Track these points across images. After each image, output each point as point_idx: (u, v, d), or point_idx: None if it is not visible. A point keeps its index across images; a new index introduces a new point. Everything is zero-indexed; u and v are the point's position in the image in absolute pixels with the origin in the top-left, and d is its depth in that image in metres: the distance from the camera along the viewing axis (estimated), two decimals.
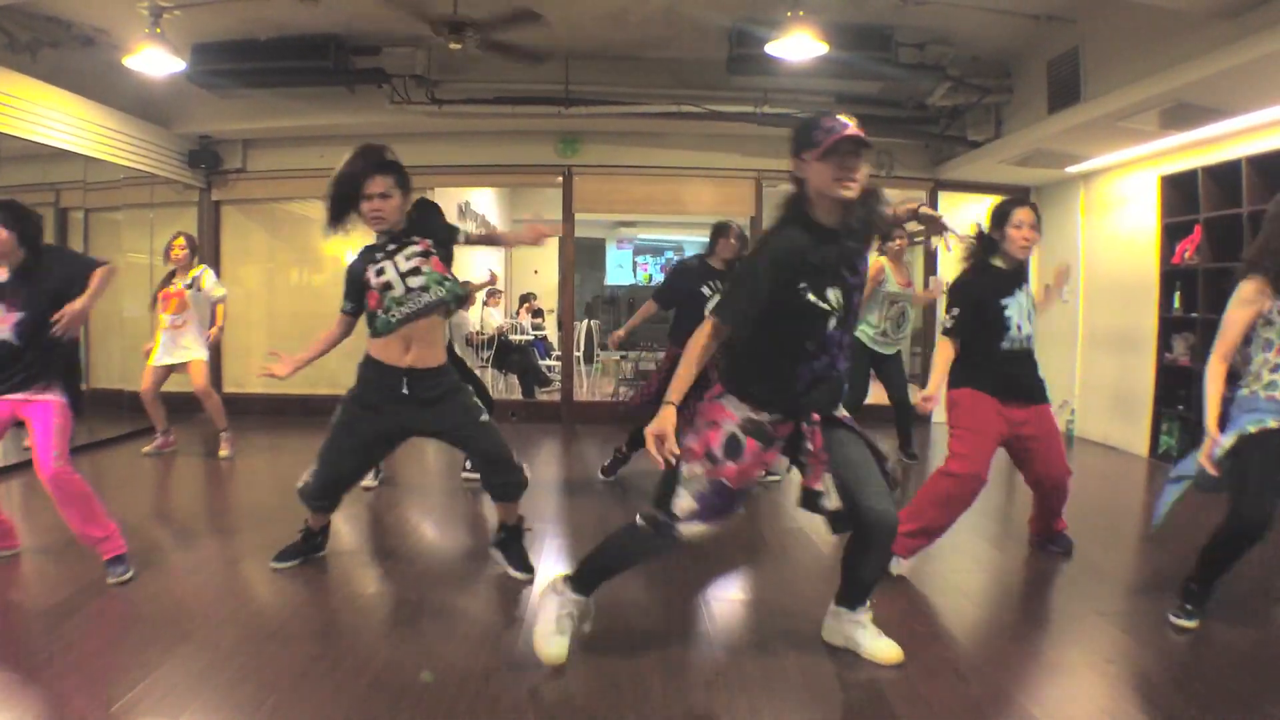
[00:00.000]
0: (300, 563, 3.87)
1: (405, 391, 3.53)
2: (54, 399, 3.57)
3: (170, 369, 6.39)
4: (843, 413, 2.88)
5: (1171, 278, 6.59)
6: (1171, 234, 6.57)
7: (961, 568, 4.10)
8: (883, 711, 2.59)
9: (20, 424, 3.58)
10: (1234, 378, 3.27)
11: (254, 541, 4.15)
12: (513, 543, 3.83)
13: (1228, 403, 3.28)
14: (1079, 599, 3.58)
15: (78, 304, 3.51)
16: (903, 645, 2.97)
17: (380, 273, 3.54)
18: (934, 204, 8.57)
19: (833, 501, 2.76)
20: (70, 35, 6.35)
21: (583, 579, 2.91)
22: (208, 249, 8.49)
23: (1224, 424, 3.23)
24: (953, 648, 3.16)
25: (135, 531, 4.29)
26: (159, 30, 5.61)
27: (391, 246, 3.59)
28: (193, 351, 6.36)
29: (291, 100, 7.59)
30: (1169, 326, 6.62)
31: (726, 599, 3.64)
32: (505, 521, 3.82)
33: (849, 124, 2.63)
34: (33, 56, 6.29)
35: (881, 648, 2.91)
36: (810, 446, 2.74)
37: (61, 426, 3.54)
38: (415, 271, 3.53)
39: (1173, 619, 3.23)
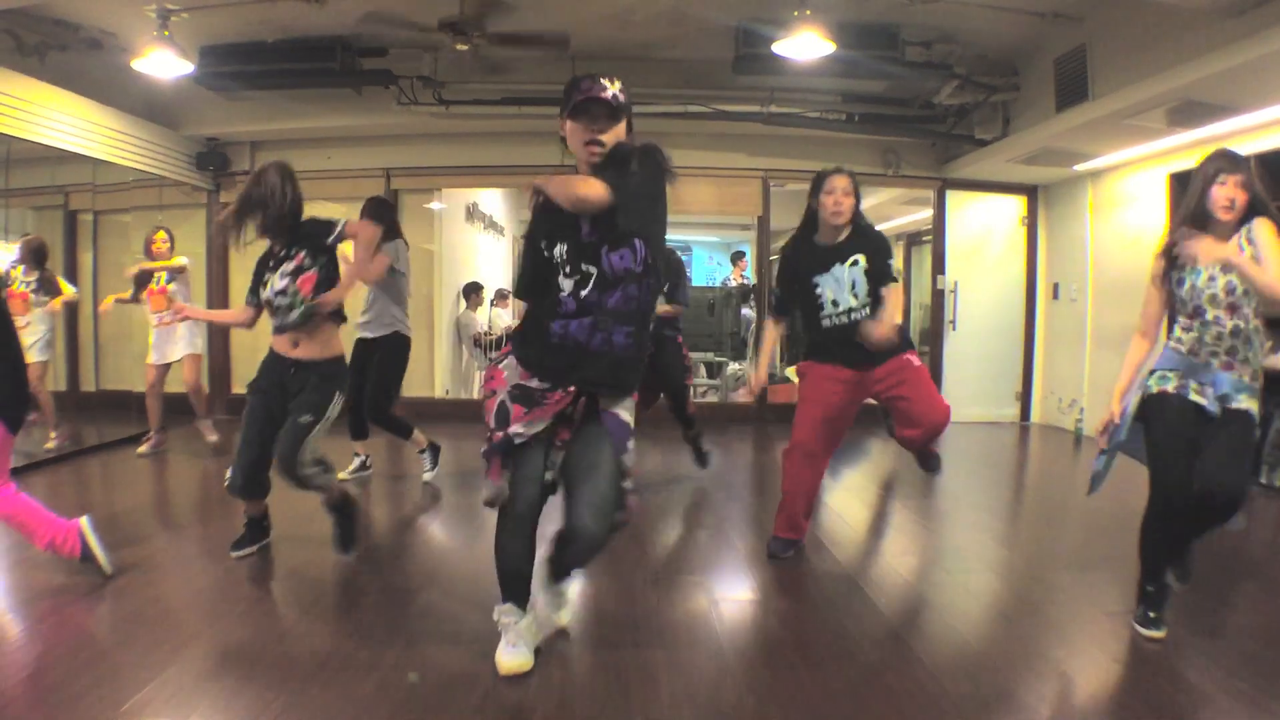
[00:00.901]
0: (255, 550, 3.98)
1: (291, 376, 3.78)
2: None
3: (168, 367, 6.43)
4: (619, 412, 2.77)
5: None
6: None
7: (968, 567, 4.09)
8: (889, 710, 2.58)
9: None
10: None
11: (269, 538, 4.16)
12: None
13: None
14: (1086, 598, 3.57)
15: None
16: (910, 644, 2.97)
17: (265, 283, 3.79)
18: (941, 203, 8.57)
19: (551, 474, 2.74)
20: (78, 38, 6.37)
21: (502, 586, 2.89)
22: (216, 250, 8.51)
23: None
24: (960, 647, 3.15)
25: (143, 532, 4.32)
26: (167, 33, 5.64)
27: (279, 254, 3.81)
28: (182, 347, 6.41)
29: (299, 102, 7.60)
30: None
31: (734, 600, 3.63)
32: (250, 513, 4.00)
33: (607, 87, 2.68)
34: (41, 60, 6.32)
35: (508, 658, 2.77)
36: (564, 433, 2.73)
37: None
38: (283, 292, 3.73)
39: (1139, 629, 3.11)
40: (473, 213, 11.05)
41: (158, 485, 5.73)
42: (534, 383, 2.68)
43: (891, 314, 3.77)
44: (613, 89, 2.69)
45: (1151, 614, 3.11)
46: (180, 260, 6.47)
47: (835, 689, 2.75)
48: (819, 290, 3.86)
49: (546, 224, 2.67)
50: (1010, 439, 7.96)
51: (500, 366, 2.76)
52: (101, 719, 2.44)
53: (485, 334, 9.89)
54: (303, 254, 3.77)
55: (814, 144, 8.18)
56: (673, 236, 8.69)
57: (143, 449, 6.50)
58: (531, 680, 2.75)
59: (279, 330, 3.79)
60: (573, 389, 2.68)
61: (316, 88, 7.27)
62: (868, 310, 3.81)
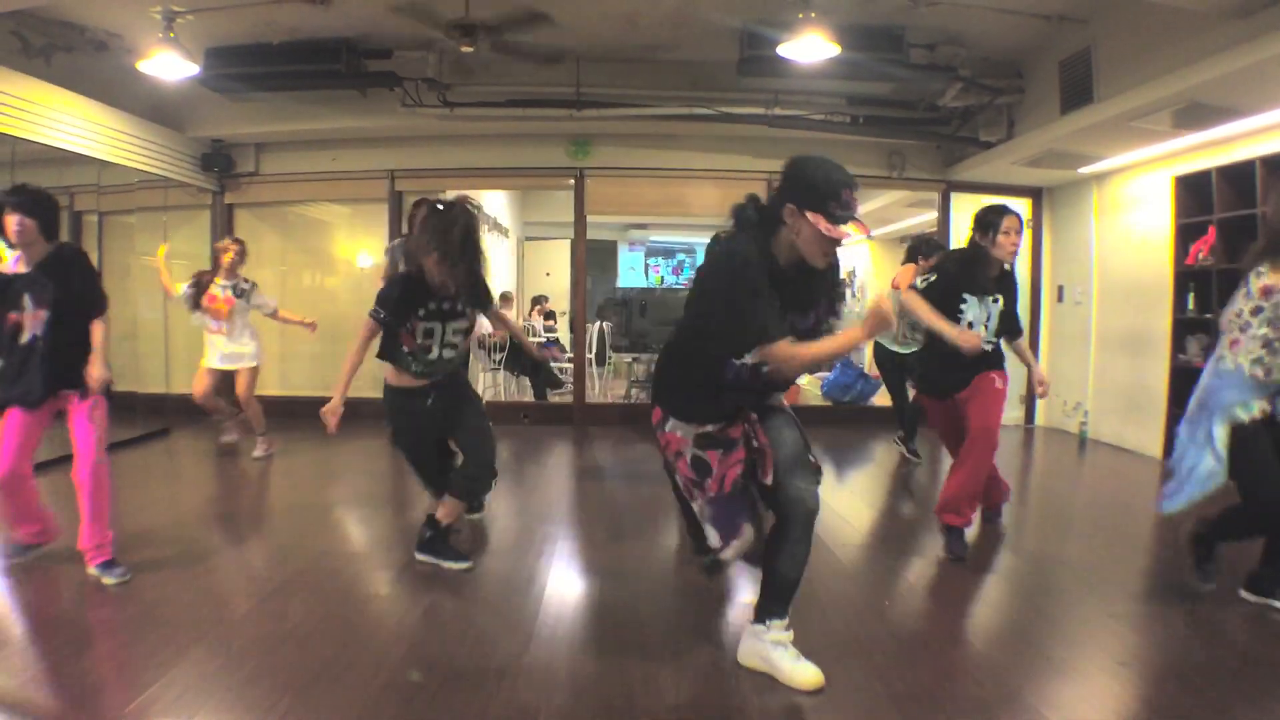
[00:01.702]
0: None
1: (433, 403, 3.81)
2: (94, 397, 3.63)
3: (223, 374, 6.35)
4: (779, 400, 2.88)
5: (1185, 279, 6.55)
6: (1185, 235, 6.54)
7: (972, 570, 4.09)
8: (898, 714, 2.58)
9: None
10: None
11: (269, 543, 4.17)
12: None
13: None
14: (1091, 601, 3.56)
15: (96, 372, 3.58)
16: (915, 647, 2.96)
17: (427, 330, 3.71)
18: (946, 206, 8.57)
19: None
20: (84, 40, 6.39)
21: (767, 606, 2.86)
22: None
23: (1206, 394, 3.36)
24: (966, 649, 3.15)
25: (149, 533, 4.32)
26: (172, 35, 5.65)
27: (451, 308, 3.74)
28: (244, 360, 6.33)
29: (304, 104, 7.62)
30: (1183, 328, 6.58)
31: (740, 602, 3.63)
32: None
33: (857, 207, 2.65)
34: (47, 61, 6.33)
35: (801, 672, 2.72)
36: (756, 443, 2.74)
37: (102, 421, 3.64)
38: (454, 347, 3.81)
39: (1201, 585, 3.44)
40: (477, 214, 11.04)
41: (164, 487, 5.73)
42: (707, 427, 2.74)
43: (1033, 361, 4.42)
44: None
45: (1209, 566, 3.47)
46: (268, 300, 6.43)
47: (841, 692, 2.75)
48: (964, 308, 4.03)
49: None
50: (1015, 442, 7.95)
51: (668, 430, 2.81)
52: (109, 718, 2.44)
53: (489, 336, 9.88)
54: (471, 314, 3.81)
55: (819, 146, 8.16)
56: (676, 238, 8.65)
57: (258, 453, 6.38)
58: (536, 682, 2.75)
59: (428, 376, 3.74)
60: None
61: (321, 89, 7.28)
62: (991, 347, 4.11)
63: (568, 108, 7.40)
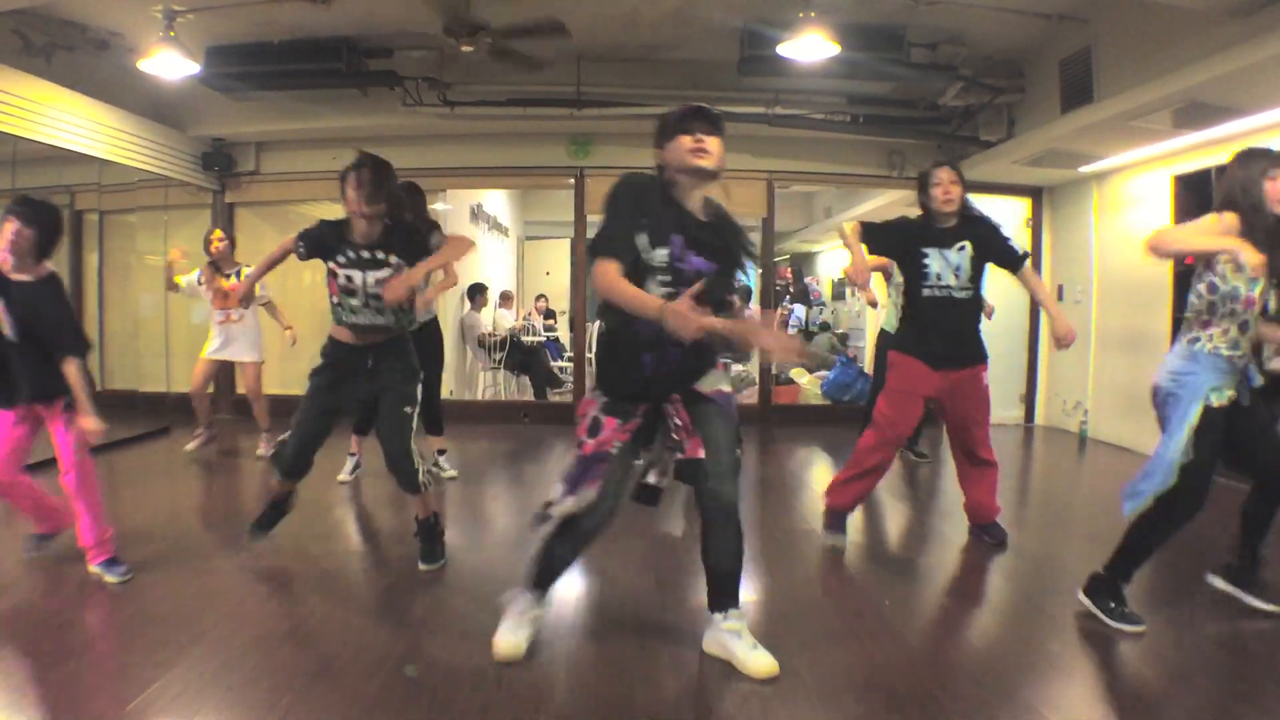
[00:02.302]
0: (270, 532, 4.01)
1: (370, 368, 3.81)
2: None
3: (220, 364, 6.39)
4: (714, 387, 2.89)
5: (1185, 278, 6.51)
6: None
7: (973, 570, 4.09)
8: (895, 712, 2.58)
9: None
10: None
11: (268, 542, 4.17)
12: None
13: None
14: None
15: (88, 425, 3.67)
16: (913, 644, 2.96)
17: (347, 276, 3.75)
18: None
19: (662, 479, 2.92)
20: (85, 39, 6.39)
21: (534, 576, 2.98)
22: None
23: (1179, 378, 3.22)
24: (964, 649, 3.15)
25: (149, 532, 4.33)
26: (173, 34, 5.64)
27: (371, 256, 3.75)
28: (248, 354, 6.37)
29: (304, 103, 7.61)
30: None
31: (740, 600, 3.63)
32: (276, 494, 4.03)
33: (708, 119, 2.76)
34: (47, 60, 6.33)
35: (756, 660, 2.80)
36: (678, 422, 2.80)
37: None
38: (378, 295, 3.73)
39: (1126, 628, 3.16)
40: (478, 214, 11.07)
41: (164, 485, 5.73)
42: (623, 401, 2.82)
43: (1048, 299, 4.28)
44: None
45: (1128, 610, 3.21)
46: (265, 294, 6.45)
47: (840, 692, 2.75)
48: (926, 262, 4.08)
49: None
50: (1014, 441, 7.95)
51: (590, 396, 2.88)
52: (108, 717, 2.45)
53: (489, 335, 9.90)
54: (398, 263, 3.75)
55: (819, 145, 8.18)
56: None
57: (190, 446, 6.42)
58: (536, 680, 2.76)
59: (357, 327, 3.75)
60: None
61: (322, 89, 7.28)
62: (969, 293, 4.12)
63: (568, 107, 7.41)
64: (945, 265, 4.08)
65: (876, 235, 4.16)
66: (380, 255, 3.71)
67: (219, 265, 6.28)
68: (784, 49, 5.70)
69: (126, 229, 7.99)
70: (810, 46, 5.60)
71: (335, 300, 3.75)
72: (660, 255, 2.66)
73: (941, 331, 4.14)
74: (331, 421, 3.84)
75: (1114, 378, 7.59)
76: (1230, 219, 3.13)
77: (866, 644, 3.11)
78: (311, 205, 8.70)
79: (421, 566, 3.86)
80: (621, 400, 2.81)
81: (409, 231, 3.91)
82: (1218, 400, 3.11)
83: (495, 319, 10.49)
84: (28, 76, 5.87)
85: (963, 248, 4.10)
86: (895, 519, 5.20)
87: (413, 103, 7.37)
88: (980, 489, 4.37)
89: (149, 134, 7.34)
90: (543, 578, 2.98)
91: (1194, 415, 3.10)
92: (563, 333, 12.56)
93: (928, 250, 4.08)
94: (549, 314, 12.46)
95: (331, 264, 3.72)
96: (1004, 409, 8.65)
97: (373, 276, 3.68)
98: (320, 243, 3.75)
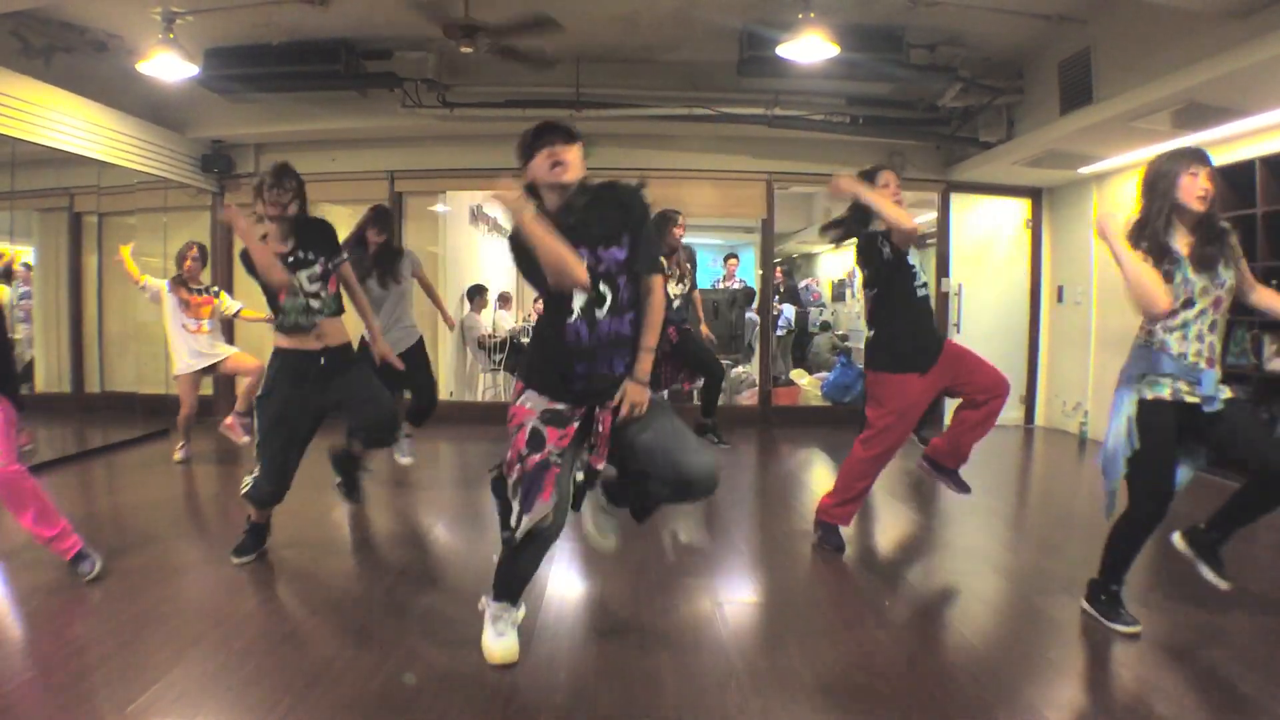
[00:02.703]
0: (256, 556, 3.98)
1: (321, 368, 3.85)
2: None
3: (203, 372, 6.33)
4: (657, 397, 2.93)
5: None
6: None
7: (973, 570, 4.09)
8: (898, 714, 2.58)
9: None
10: None
11: (267, 544, 4.16)
12: None
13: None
14: None
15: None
16: (914, 646, 2.96)
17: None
18: (946, 206, 8.57)
19: (609, 471, 2.94)
20: (84, 41, 6.39)
21: (502, 589, 2.96)
22: (221, 253, 8.52)
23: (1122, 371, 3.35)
24: (965, 649, 3.15)
25: (149, 533, 4.33)
26: (172, 36, 5.65)
27: (298, 257, 3.85)
28: (223, 349, 6.34)
29: (303, 104, 7.62)
30: None
31: (738, 601, 3.63)
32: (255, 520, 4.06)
33: (553, 133, 2.71)
34: (47, 62, 6.34)
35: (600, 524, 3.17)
36: (600, 429, 2.80)
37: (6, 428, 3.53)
38: (317, 295, 3.85)
39: (1120, 629, 3.17)
40: (477, 215, 11.06)
41: (163, 487, 5.72)
42: (558, 405, 2.79)
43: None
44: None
45: (1124, 611, 3.20)
46: (234, 306, 6.46)
47: (841, 693, 2.75)
48: (912, 263, 4.06)
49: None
50: (1014, 442, 7.96)
51: (522, 401, 2.83)
52: (108, 718, 2.44)
53: (489, 336, 9.89)
54: (323, 260, 3.85)
55: (818, 146, 8.18)
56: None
57: (179, 456, 6.32)
58: (537, 682, 2.76)
59: (301, 329, 3.79)
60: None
61: (321, 90, 7.27)
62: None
63: (567, 108, 7.40)
64: (918, 259, 4.13)
65: (872, 251, 4.05)
66: (303, 254, 3.83)
67: (187, 281, 6.22)
68: (783, 50, 5.70)
69: (126, 231, 7.97)
70: (809, 47, 5.61)
71: (280, 311, 3.81)
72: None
73: (930, 328, 4.17)
74: (300, 446, 3.88)
75: (1114, 379, 7.54)
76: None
77: (866, 644, 3.11)
78: (310, 207, 8.69)
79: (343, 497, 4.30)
80: (557, 402, 2.79)
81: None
82: (1151, 393, 3.15)
83: (495, 320, 10.48)
84: (27, 79, 5.87)
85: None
86: (894, 519, 5.20)
87: (412, 104, 7.37)
88: (971, 436, 4.24)
89: (148, 136, 7.33)
90: (511, 590, 2.95)
91: (1127, 404, 3.19)
92: None
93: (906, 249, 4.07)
94: None
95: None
96: (1004, 410, 8.63)
97: (305, 274, 3.79)
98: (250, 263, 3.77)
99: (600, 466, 2.83)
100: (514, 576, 2.94)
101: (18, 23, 6.01)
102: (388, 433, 4.10)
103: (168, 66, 5.86)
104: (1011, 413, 8.75)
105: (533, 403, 2.79)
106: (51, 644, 3.00)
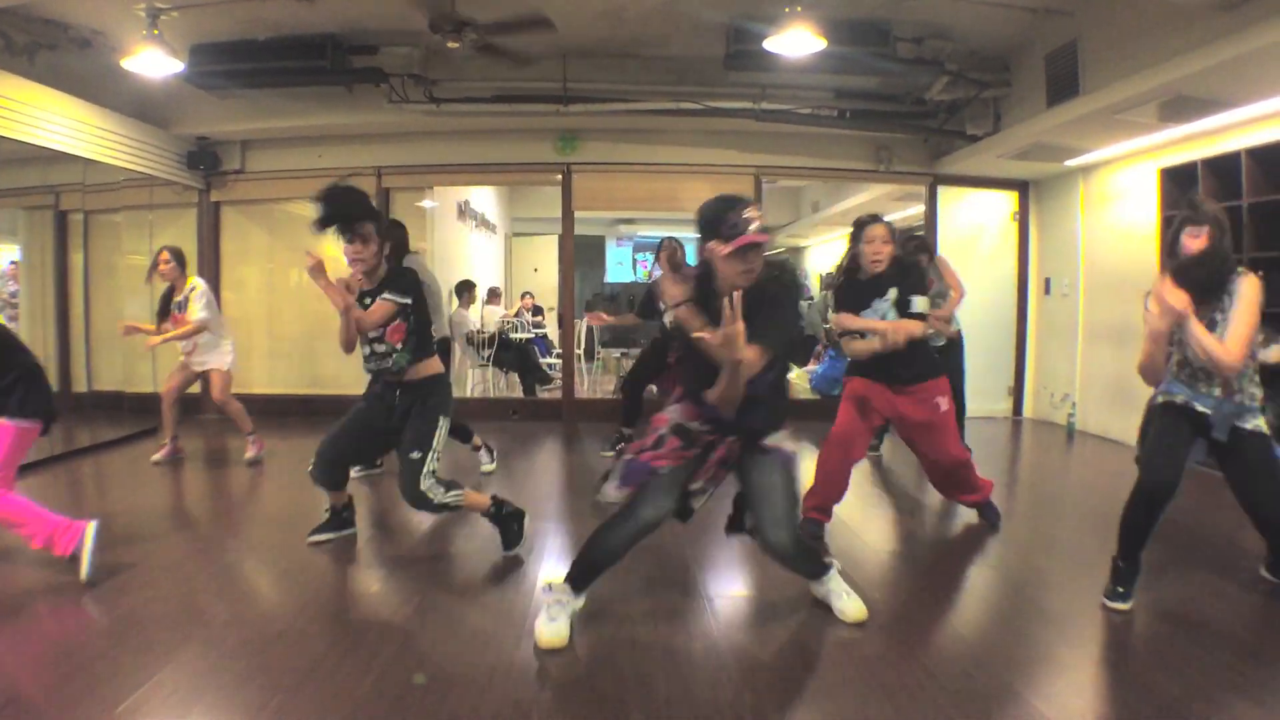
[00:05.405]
0: (332, 538, 4.21)
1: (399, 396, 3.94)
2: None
3: (192, 376, 6.26)
4: (775, 442, 3.10)
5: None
6: (1171, 227, 6.55)
7: (963, 562, 4.11)
8: (887, 706, 2.59)
9: None
10: None
11: (259, 541, 4.16)
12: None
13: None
14: (1083, 595, 3.56)
15: None
16: (906, 639, 2.97)
17: None
18: (933, 199, 8.59)
19: (700, 501, 3.14)
20: (68, 37, 6.34)
21: (576, 572, 3.12)
22: (207, 250, 8.51)
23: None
24: (960, 643, 3.16)
25: (139, 533, 4.31)
26: (156, 32, 5.61)
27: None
28: (210, 363, 6.19)
29: (290, 100, 7.58)
30: None
31: (730, 595, 3.64)
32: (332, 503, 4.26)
33: (754, 219, 2.77)
34: (30, 59, 6.29)
35: (851, 605, 3.24)
36: (714, 455, 3.03)
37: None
38: (380, 340, 3.85)
39: (1106, 602, 3.34)
40: (465, 210, 11.04)
41: (152, 486, 5.70)
42: (695, 424, 3.03)
43: (884, 331, 4.10)
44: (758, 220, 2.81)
45: (1120, 589, 3.34)
46: (196, 315, 5.97)
47: (832, 685, 2.76)
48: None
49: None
50: (1002, 434, 7.98)
51: (667, 411, 3.11)
52: (100, 718, 2.44)
53: (478, 332, 9.87)
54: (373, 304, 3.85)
55: (806, 140, 8.19)
56: (663, 233, 8.59)
57: (157, 457, 6.21)
58: (528, 678, 2.76)
59: (379, 373, 3.93)
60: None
61: (307, 86, 7.25)
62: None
63: (555, 103, 7.39)
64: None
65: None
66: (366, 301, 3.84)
67: (170, 290, 6.07)
68: (770, 44, 5.70)
69: (111, 229, 7.93)
70: (796, 41, 5.60)
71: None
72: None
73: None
74: (353, 451, 4.08)
75: (1101, 370, 7.63)
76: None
77: (858, 639, 3.12)
78: (298, 204, 8.67)
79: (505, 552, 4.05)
80: (695, 424, 3.01)
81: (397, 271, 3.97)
82: (1163, 398, 3.43)
83: (484, 315, 10.46)
84: (10, 76, 5.83)
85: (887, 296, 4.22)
86: (883, 514, 5.21)
87: (398, 99, 7.34)
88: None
89: (133, 133, 7.29)
90: (583, 576, 3.10)
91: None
92: (551, 329, 12.54)
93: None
94: (536, 310, 12.42)
95: None
96: (992, 402, 8.69)
97: None
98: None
99: (697, 486, 3.08)
100: (590, 562, 3.10)
101: (1, 19, 5.96)
102: (404, 496, 3.90)
103: (152, 63, 5.82)
104: (999, 404, 8.79)
105: (674, 414, 3.05)
106: (41, 644, 2.99)
